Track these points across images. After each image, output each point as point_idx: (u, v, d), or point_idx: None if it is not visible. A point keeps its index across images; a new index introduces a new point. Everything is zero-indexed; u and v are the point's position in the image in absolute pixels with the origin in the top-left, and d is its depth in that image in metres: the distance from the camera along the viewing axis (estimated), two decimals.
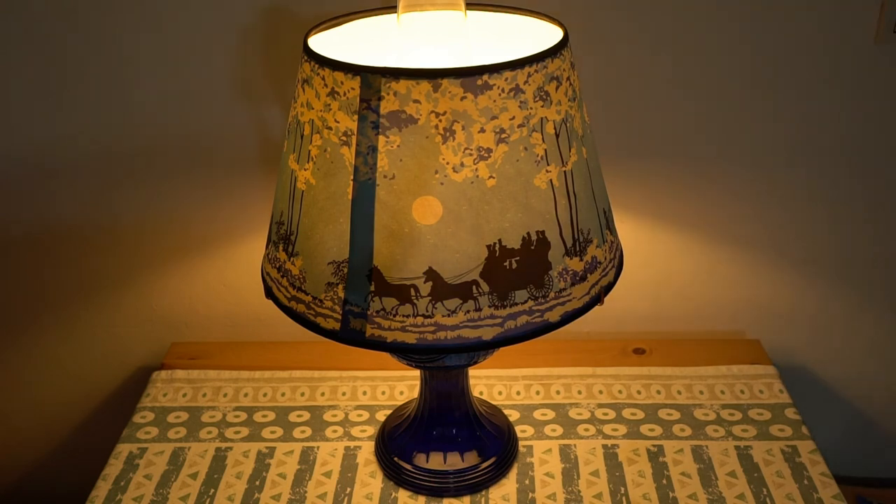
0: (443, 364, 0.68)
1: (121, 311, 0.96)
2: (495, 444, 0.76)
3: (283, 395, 0.86)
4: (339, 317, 0.56)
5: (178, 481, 0.76)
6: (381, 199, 0.52)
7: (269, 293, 0.61)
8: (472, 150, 0.51)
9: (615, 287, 0.93)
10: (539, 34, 0.62)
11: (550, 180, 0.54)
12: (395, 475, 0.74)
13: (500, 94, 0.50)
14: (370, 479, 0.75)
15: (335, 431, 0.81)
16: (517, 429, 0.81)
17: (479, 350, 0.56)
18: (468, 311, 0.54)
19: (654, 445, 0.78)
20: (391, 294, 0.54)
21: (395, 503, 0.73)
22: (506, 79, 0.50)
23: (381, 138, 0.51)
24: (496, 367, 0.89)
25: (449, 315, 0.54)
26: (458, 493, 0.73)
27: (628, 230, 0.90)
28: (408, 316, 0.54)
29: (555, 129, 0.54)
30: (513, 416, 0.82)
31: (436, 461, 0.74)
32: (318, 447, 0.79)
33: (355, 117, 0.51)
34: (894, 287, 0.93)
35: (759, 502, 0.72)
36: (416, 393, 0.86)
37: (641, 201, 0.88)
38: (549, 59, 0.52)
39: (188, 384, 0.89)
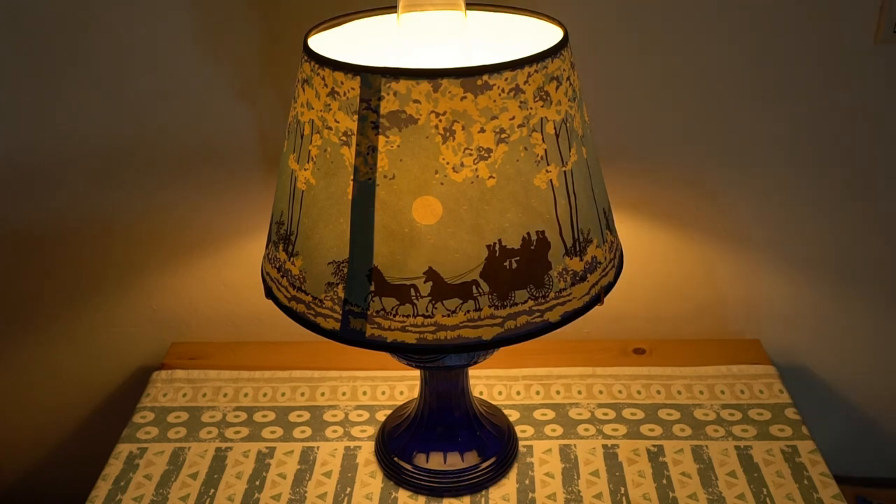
0: (443, 364, 0.68)
1: (121, 311, 0.96)
2: (495, 444, 0.76)
3: (283, 395, 0.86)
4: (339, 317, 0.56)
5: (178, 481, 0.76)
6: (381, 199, 0.52)
7: (269, 293, 0.61)
8: (472, 150, 0.51)
9: (615, 287, 0.93)
10: (539, 34, 0.62)
11: (550, 180, 0.54)
12: (395, 475, 0.74)
13: (500, 94, 0.50)
14: (370, 479, 0.75)
15: (335, 431, 0.81)
16: (517, 429, 0.81)
17: (479, 350, 0.56)
18: (468, 311, 0.54)
19: (654, 445, 0.78)
20: (391, 294, 0.54)
21: (395, 503, 0.73)
22: (506, 79, 0.50)
23: (381, 138, 0.51)
24: (496, 367, 0.89)
25: (449, 315, 0.54)
26: (458, 493, 0.73)
27: (628, 230, 0.90)
28: (408, 316, 0.54)
29: (555, 129, 0.54)
30: (513, 416, 0.82)
31: (436, 461, 0.74)
32: (318, 447, 0.79)
33: (355, 117, 0.51)
34: (894, 287, 0.93)
35: (759, 502, 0.72)
36: (416, 393, 0.86)
37: (641, 201, 0.88)
38: (549, 59, 0.52)
39: (188, 384, 0.89)
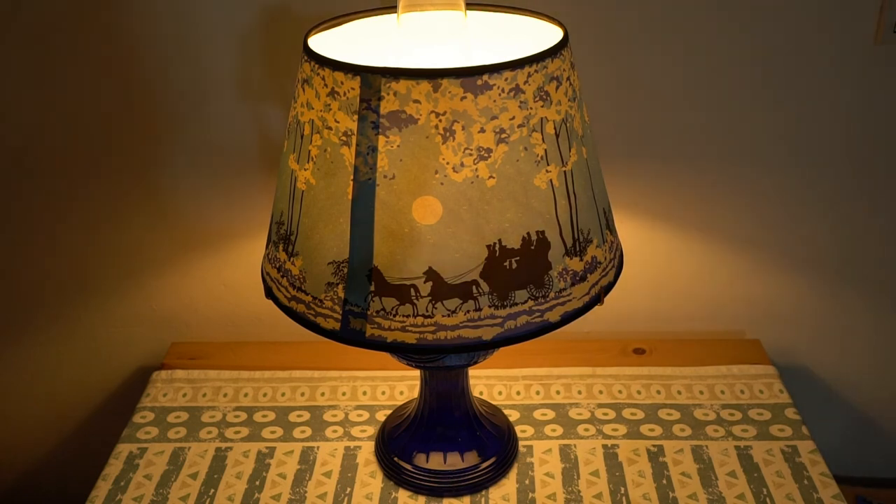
0: (443, 364, 0.68)
1: (121, 311, 0.96)
2: (495, 444, 0.76)
3: (283, 395, 0.86)
4: (339, 317, 0.56)
5: (178, 481, 0.76)
6: (381, 199, 0.52)
7: (269, 293, 0.61)
8: (472, 150, 0.51)
9: (615, 287, 0.93)
10: (539, 34, 0.62)
11: (550, 180, 0.54)
12: (395, 475, 0.74)
13: (500, 94, 0.50)
14: (370, 479, 0.75)
15: (335, 431, 0.81)
16: (517, 429, 0.81)
17: (479, 350, 0.56)
18: (468, 311, 0.54)
19: (654, 445, 0.78)
20: (391, 294, 0.54)
21: (395, 503, 0.73)
22: (506, 79, 0.50)
23: (381, 138, 0.51)
24: (496, 367, 0.89)
25: (449, 315, 0.54)
26: (458, 493, 0.73)
27: (628, 230, 0.90)
28: (408, 316, 0.54)
29: (555, 129, 0.54)
30: (513, 416, 0.82)
31: (436, 461, 0.74)
32: (318, 447, 0.79)
33: (355, 117, 0.51)
34: (894, 287, 0.93)
35: (759, 502, 0.72)
36: (416, 393, 0.86)
37: (641, 201, 0.88)
38: (549, 59, 0.52)
39: (188, 384, 0.89)
